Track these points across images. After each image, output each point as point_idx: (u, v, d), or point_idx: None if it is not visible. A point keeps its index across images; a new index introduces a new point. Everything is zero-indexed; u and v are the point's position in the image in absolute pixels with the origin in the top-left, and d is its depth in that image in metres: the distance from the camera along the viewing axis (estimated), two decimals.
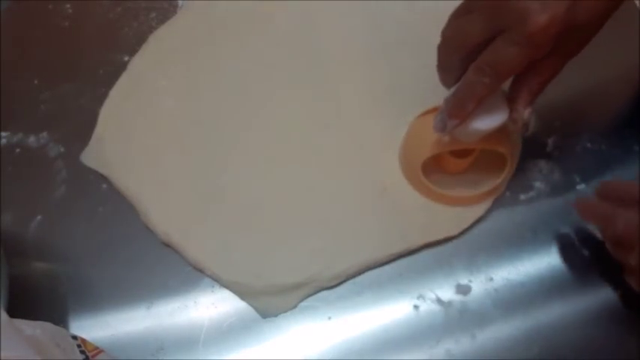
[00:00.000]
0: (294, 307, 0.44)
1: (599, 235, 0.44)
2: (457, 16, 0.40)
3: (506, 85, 0.41)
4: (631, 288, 0.41)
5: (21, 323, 0.33)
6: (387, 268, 0.45)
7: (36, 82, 0.53)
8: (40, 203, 0.48)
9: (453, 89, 0.40)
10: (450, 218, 0.46)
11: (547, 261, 0.45)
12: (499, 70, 0.37)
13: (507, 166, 0.45)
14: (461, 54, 0.39)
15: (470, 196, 0.46)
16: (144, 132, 0.50)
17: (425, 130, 0.44)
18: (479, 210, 0.46)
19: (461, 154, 0.45)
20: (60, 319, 0.44)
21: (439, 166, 0.47)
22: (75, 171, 0.49)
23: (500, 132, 0.42)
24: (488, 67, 0.37)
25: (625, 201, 0.40)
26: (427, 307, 0.44)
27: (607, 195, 0.42)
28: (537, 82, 0.39)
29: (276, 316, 0.44)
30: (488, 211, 0.46)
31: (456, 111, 0.40)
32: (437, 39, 0.40)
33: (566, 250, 0.45)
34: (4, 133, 0.51)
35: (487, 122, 0.40)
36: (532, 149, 0.49)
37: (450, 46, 0.40)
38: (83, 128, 0.50)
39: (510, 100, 0.40)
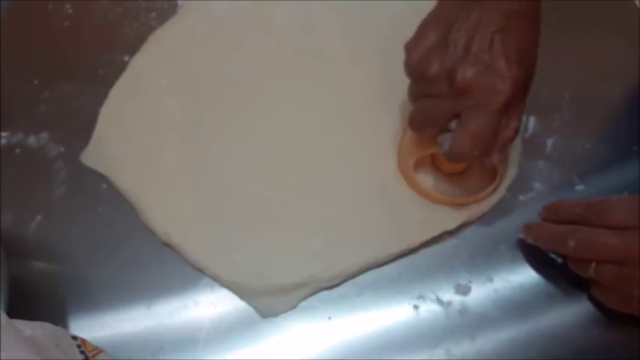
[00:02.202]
0: (294, 307, 0.44)
1: None
2: (414, 96, 0.43)
3: None
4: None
5: (20, 323, 0.33)
6: (387, 268, 0.45)
7: (36, 82, 0.53)
8: (40, 203, 0.48)
9: None
10: (447, 214, 0.46)
11: (547, 261, 0.45)
12: (481, 141, 0.39)
13: (498, 177, 0.45)
14: (432, 130, 0.42)
15: (460, 200, 0.46)
16: (144, 132, 0.50)
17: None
18: (478, 208, 0.46)
19: None
20: (59, 319, 0.44)
21: (437, 167, 0.47)
22: (75, 171, 0.49)
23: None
24: (471, 141, 0.39)
25: (571, 219, 0.41)
26: (427, 307, 0.44)
27: (552, 217, 0.43)
28: (509, 133, 0.41)
29: (276, 316, 0.44)
30: (488, 212, 0.47)
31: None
32: None
33: None
34: (4, 133, 0.51)
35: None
36: (531, 150, 0.49)
37: (421, 126, 0.43)
38: (83, 128, 0.50)
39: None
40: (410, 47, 0.41)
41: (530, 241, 0.44)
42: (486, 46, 0.38)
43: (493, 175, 0.46)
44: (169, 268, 0.46)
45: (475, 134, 0.39)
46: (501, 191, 0.47)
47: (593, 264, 0.39)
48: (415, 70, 0.41)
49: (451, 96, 0.39)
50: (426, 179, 0.47)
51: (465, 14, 0.39)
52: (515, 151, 0.48)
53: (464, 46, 0.38)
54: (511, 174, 0.48)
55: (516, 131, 0.40)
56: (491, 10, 0.39)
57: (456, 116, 0.40)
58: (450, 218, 0.46)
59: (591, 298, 0.42)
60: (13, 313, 0.35)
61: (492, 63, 0.38)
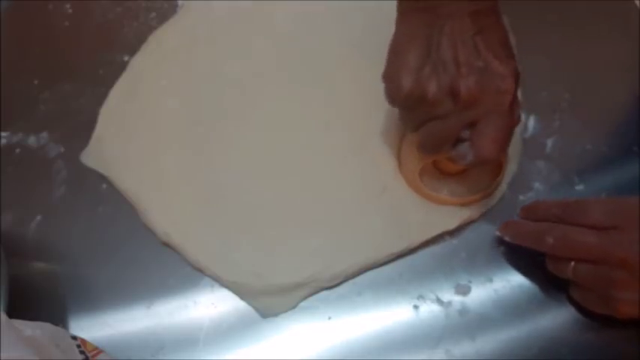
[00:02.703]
0: (294, 307, 0.44)
1: None
2: (415, 125, 0.42)
3: None
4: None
5: (20, 324, 0.33)
6: (387, 268, 0.45)
7: (36, 82, 0.53)
8: (40, 203, 0.48)
9: None
10: (447, 214, 0.46)
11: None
12: (503, 142, 0.40)
13: (500, 175, 0.45)
14: (447, 147, 0.41)
15: (462, 200, 0.46)
16: (144, 132, 0.50)
17: None
18: (477, 208, 0.46)
19: None
20: (59, 319, 0.44)
21: (437, 166, 0.47)
22: (75, 171, 0.49)
23: None
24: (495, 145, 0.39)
25: (549, 219, 0.41)
26: (427, 307, 0.44)
27: (531, 217, 0.43)
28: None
29: (276, 316, 0.44)
30: (488, 212, 0.46)
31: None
32: None
33: None
34: (4, 133, 0.51)
35: None
36: (531, 150, 0.49)
37: (435, 149, 0.42)
38: (83, 128, 0.50)
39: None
40: (393, 76, 0.40)
41: (507, 239, 0.44)
42: (473, 52, 0.38)
43: (494, 172, 0.46)
44: (169, 268, 0.46)
45: (496, 138, 0.39)
46: (502, 187, 0.47)
47: (572, 264, 0.40)
48: (410, 97, 0.39)
49: (458, 112, 0.39)
50: (427, 180, 0.46)
51: (437, 29, 0.39)
52: (515, 146, 0.48)
53: (452, 60, 0.38)
54: (511, 169, 0.47)
55: (519, 118, 0.41)
56: (459, 17, 0.38)
57: (467, 126, 0.40)
58: (450, 218, 0.46)
59: (570, 300, 0.42)
60: (13, 313, 0.35)
61: (487, 66, 0.38)
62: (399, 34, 0.41)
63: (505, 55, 0.38)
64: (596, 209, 0.39)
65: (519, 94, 0.41)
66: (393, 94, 0.41)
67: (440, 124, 0.40)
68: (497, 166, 0.46)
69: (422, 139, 0.42)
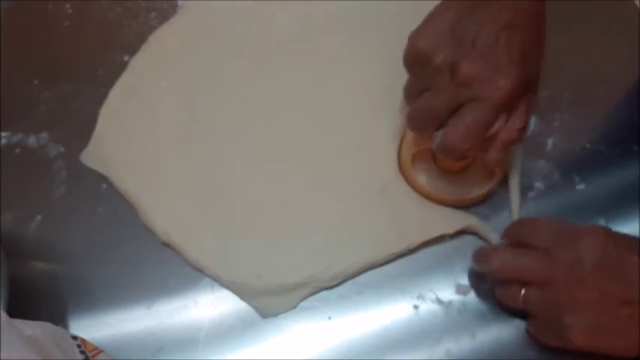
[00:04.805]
0: (294, 307, 0.44)
1: None
2: (413, 94, 0.43)
3: None
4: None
5: (21, 323, 0.33)
6: (387, 268, 0.45)
7: (36, 82, 0.53)
8: (40, 203, 0.48)
9: None
10: (446, 216, 0.46)
11: None
12: (474, 134, 0.39)
13: (495, 177, 0.45)
14: (432, 127, 0.42)
15: (459, 198, 0.46)
16: (144, 132, 0.50)
17: None
18: (476, 220, 0.46)
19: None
20: (60, 319, 0.44)
21: (437, 164, 0.47)
22: (75, 171, 0.49)
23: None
24: (464, 133, 0.39)
25: (520, 242, 0.42)
26: (427, 307, 0.44)
27: (508, 238, 0.44)
28: (511, 133, 0.41)
29: (276, 316, 0.44)
30: (488, 211, 0.46)
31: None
32: None
33: None
34: (4, 133, 0.51)
35: None
36: (532, 149, 0.49)
37: (422, 124, 0.43)
38: (83, 128, 0.50)
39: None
40: (415, 35, 0.41)
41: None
42: (492, 42, 0.38)
43: (493, 172, 0.46)
44: (169, 268, 0.46)
45: (468, 127, 0.39)
46: (514, 194, 0.47)
47: (522, 291, 0.40)
48: (419, 55, 0.40)
49: (452, 89, 0.39)
50: (426, 176, 0.46)
51: (474, 9, 0.39)
52: (519, 152, 0.48)
53: (470, 40, 0.39)
54: (516, 170, 0.47)
55: (521, 132, 0.40)
56: (500, 7, 0.39)
57: (454, 113, 0.40)
58: (450, 220, 0.46)
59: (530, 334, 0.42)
60: (13, 313, 0.35)
61: (496, 59, 0.38)
62: (442, 3, 0.41)
63: (518, 59, 0.38)
64: (545, 230, 0.40)
65: (532, 115, 0.41)
66: (407, 51, 0.41)
67: (432, 98, 0.41)
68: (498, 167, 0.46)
69: (412, 112, 0.43)
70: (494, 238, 0.45)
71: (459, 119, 0.39)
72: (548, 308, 0.39)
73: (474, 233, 0.46)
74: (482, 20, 0.39)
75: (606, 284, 0.37)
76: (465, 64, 0.38)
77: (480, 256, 0.43)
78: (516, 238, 0.42)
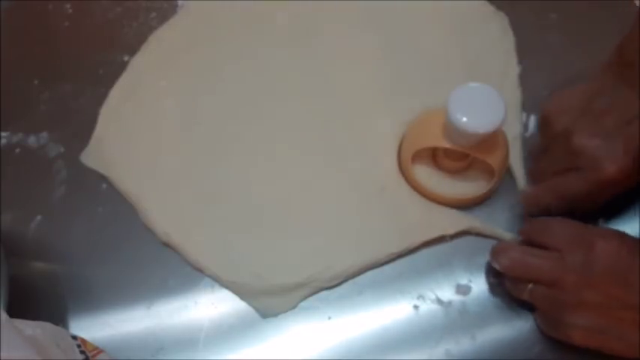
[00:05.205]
0: (294, 307, 0.44)
1: None
2: (536, 153, 0.46)
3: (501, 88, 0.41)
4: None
5: (21, 323, 0.33)
6: (387, 268, 0.45)
7: (36, 82, 0.53)
8: (40, 203, 0.48)
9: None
10: (447, 216, 0.46)
11: None
12: (564, 196, 0.42)
13: (494, 178, 0.45)
14: (539, 181, 0.45)
15: (459, 198, 0.46)
16: (144, 132, 0.50)
17: (424, 125, 0.45)
18: (479, 221, 0.46)
19: (456, 157, 0.45)
20: (60, 319, 0.44)
21: (438, 164, 0.47)
22: (75, 171, 0.49)
23: (493, 143, 0.42)
24: (556, 192, 0.42)
25: (534, 241, 0.42)
26: (427, 307, 0.44)
27: (523, 235, 0.44)
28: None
29: (276, 316, 0.44)
30: (488, 211, 0.46)
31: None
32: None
33: None
34: (4, 133, 0.51)
35: (483, 126, 0.40)
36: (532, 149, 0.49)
37: (530, 176, 0.46)
38: (83, 128, 0.50)
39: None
40: (549, 99, 0.44)
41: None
42: (621, 124, 0.39)
43: (492, 173, 0.46)
44: (169, 268, 0.46)
45: (557, 189, 0.42)
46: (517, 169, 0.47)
47: (530, 286, 0.40)
48: (545, 118, 0.44)
49: (563, 155, 0.42)
50: (426, 176, 0.46)
51: (617, 89, 0.41)
52: (517, 148, 0.48)
53: (599, 113, 0.40)
54: (521, 173, 0.47)
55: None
56: (633, 98, 0.40)
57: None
58: (451, 220, 0.46)
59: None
60: (13, 313, 0.35)
61: (612, 141, 0.39)
62: (589, 82, 0.44)
63: (633, 154, 0.39)
64: (557, 231, 0.41)
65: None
66: (542, 110, 0.45)
67: (545, 158, 0.44)
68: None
69: (530, 168, 0.46)
70: (507, 235, 0.45)
71: (554, 181, 0.42)
72: (553, 305, 0.39)
73: (475, 233, 0.46)
74: (620, 103, 0.40)
75: (612, 287, 0.37)
76: (578, 135, 0.40)
77: (492, 252, 0.43)
78: (530, 236, 0.42)
